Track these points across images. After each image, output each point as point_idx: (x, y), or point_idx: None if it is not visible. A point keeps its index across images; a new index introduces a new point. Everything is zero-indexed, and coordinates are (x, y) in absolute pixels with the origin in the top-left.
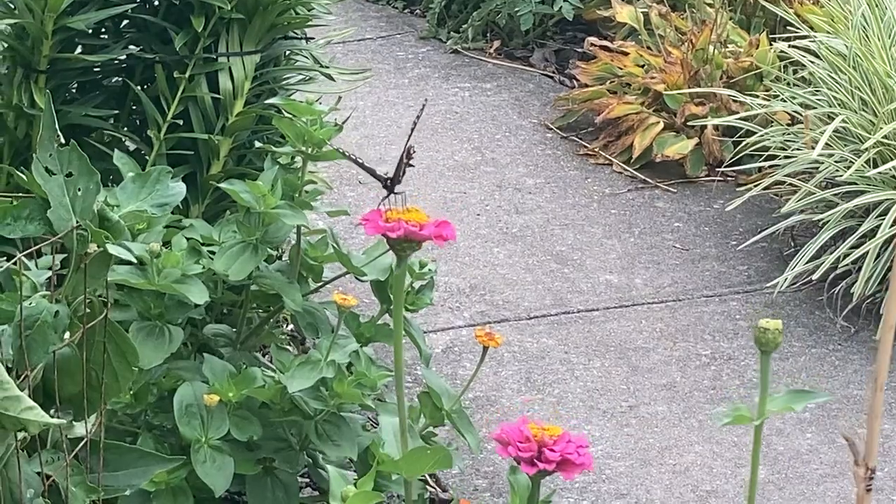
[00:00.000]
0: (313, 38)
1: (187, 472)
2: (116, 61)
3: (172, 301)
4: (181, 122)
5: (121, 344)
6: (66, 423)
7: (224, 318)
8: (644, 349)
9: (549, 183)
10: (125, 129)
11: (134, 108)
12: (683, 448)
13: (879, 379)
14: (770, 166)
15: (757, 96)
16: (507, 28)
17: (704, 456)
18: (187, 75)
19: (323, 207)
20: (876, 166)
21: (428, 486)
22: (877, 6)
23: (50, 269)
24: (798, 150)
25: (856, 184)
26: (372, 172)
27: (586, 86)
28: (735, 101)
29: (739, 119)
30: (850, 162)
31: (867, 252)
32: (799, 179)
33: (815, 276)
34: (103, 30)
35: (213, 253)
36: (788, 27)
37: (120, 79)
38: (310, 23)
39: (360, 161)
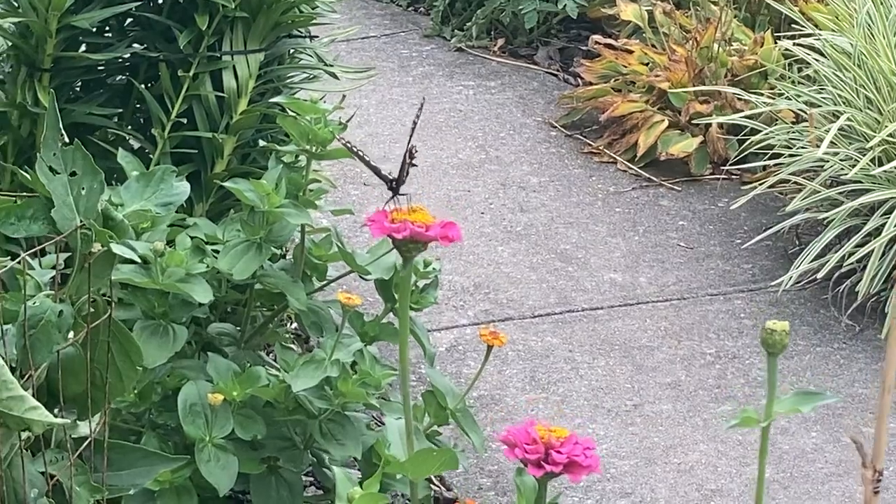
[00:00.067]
0: (317, 37)
1: (191, 471)
2: (120, 60)
3: (176, 300)
4: (185, 121)
5: (125, 343)
6: (70, 422)
7: (228, 316)
8: (648, 348)
9: (554, 181)
10: (129, 127)
11: (138, 106)
12: (688, 447)
13: (887, 380)
14: (775, 164)
15: (762, 94)
16: (511, 26)
17: (709, 455)
18: (191, 74)
19: (327, 206)
20: (881, 164)
21: (432, 486)
22: (882, 4)
23: (54, 268)
24: (803, 148)
25: (861, 182)
26: (377, 171)
27: (591, 84)
28: (740, 99)
29: (744, 117)
30: (856, 160)
31: (872, 250)
32: (804, 178)
33: (819, 275)
34: (107, 28)
35: (217, 252)
36: (793, 25)
37: (124, 77)
38: (314, 21)
39: (367, 158)
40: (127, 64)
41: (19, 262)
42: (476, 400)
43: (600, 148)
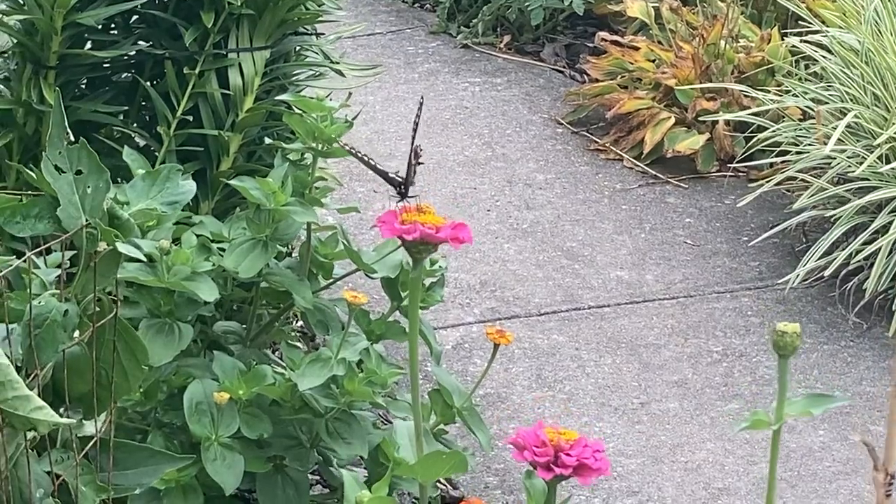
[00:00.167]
0: (323, 34)
1: (197, 470)
2: (126, 57)
3: (182, 298)
4: (191, 119)
5: (130, 342)
6: (76, 422)
7: (234, 315)
8: (655, 346)
9: (560, 178)
10: (135, 125)
11: (143, 104)
12: (695, 445)
13: None
14: (782, 162)
15: (769, 91)
16: (517, 23)
17: (716, 453)
18: (197, 71)
19: (333, 204)
20: (888, 162)
21: (438, 484)
22: (890, 1)
23: (59, 267)
24: (810, 145)
25: (868, 179)
26: (384, 175)
27: (597, 81)
28: (747, 96)
29: (751, 114)
30: (863, 158)
31: (879, 248)
32: (811, 175)
33: (827, 273)
34: (113, 25)
35: (223, 250)
36: (800, 22)
37: (129, 75)
38: (320, 18)
39: (373, 163)
40: (132, 61)
41: (25, 261)
42: (482, 398)
43: (606, 145)
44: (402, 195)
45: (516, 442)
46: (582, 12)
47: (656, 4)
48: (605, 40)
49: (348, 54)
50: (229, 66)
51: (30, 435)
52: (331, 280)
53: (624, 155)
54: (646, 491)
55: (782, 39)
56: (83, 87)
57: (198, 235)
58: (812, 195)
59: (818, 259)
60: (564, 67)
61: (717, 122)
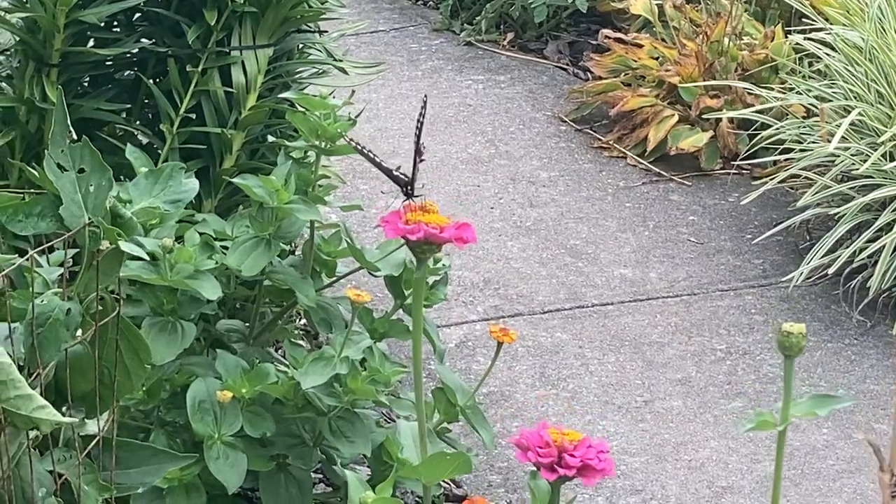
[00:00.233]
0: (326, 31)
1: (200, 469)
2: (129, 55)
3: (185, 296)
4: (194, 116)
5: (133, 341)
6: (78, 420)
7: (237, 313)
8: (659, 344)
9: (563, 176)
10: (137, 122)
11: (146, 101)
12: (699, 443)
13: None
14: (785, 159)
15: (772, 89)
16: (520, 20)
17: (720, 451)
18: (200, 69)
19: (336, 202)
20: (892, 160)
21: (442, 483)
22: None
23: (62, 265)
24: (814, 143)
25: (872, 177)
26: (388, 173)
27: (600, 78)
28: (750, 93)
29: (755, 112)
30: (867, 155)
31: (884, 246)
32: (815, 173)
33: (830, 270)
34: (115, 23)
35: (226, 248)
36: (804, 19)
37: (132, 72)
38: (323, 16)
39: (379, 160)
40: (135, 59)
41: (27, 260)
42: (485, 396)
43: (610, 143)
44: (408, 195)
45: (520, 443)
46: (585, 9)
47: (660, 2)
48: (609, 38)
49: (351, 52)
50: (232, 63)
51: (32, 434)
52: (334, 278)
53: (627, 152)
54: (649, 489)
55: (786, 37)
56: (86, 84)
57: (201, 233)
58: (816, 193)
59: (822, 257)
60: (568, 65)
61: (720, 119)
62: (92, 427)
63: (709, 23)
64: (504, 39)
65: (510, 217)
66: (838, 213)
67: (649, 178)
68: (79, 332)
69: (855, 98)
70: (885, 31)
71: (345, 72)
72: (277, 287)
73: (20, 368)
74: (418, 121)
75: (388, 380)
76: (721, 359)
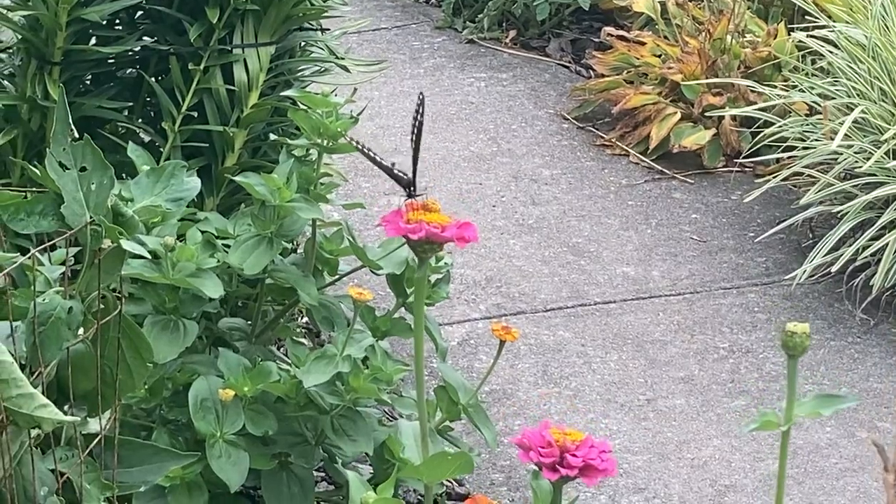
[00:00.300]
0: (328, 29)
1: (202, 468)
2: (131, 53)
3: (187, 295)
4: (196, 115)
5: (135, 339)
6: (80, 419)
7: (239, 311)
8: (661, 342)
9: (566, 174)
10: (139, 121)
11: (148, 99)
12: (702, 442)
13: None
14: (788, 157)
15: (775, 86)
16: (522, 18)
17: (723, 450)
18: (202, 67)
19: (338, 200)
20: (895, 157)
21: (444, 481)
22: None
23: (63, 264)
24: (817, 140)
25: (875, 175)
26: (390, 172)
27: (603, 76)
28: (753, 91)
29: (757, 109)
30: (870, 153)
31: (887, 244)
32: (818, 170)
33: (833, 268)
34: (117, 21)
35: (228, 246)
36: (807, 17)
37: (134, 70)
38: (325, 14)
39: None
40: (137, 57)
41: (29, 258)
42: (488, 394)
43: (612, 140)
44: (410, 195)
45: (522, 442)
46: (588, 7)
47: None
48: (611, 35)
49: (353, 49)
50: (234, 61)
51: (34, 433)
52: (336, 276)
53: (630, 150)
54: (652, 488)
55: (789, 34)
56: (88, 83)
57: (203, 232)
58: (819, 191)
59: (825, 255)
60: (570, 63)
61: (723, 117)
62: (94, 425)
63: (711, 20)
64: (506, 37)
65: (512, 215)
66: (841, 211)
67: (652, 176)
68: (80, 331)
69: (858, 96)
70: (888, 28)
71: (347, 70)
72: (279, 285)
73: (22, 367)
74: (415, 118)
75: (390, 378)
76: (724, 357)
